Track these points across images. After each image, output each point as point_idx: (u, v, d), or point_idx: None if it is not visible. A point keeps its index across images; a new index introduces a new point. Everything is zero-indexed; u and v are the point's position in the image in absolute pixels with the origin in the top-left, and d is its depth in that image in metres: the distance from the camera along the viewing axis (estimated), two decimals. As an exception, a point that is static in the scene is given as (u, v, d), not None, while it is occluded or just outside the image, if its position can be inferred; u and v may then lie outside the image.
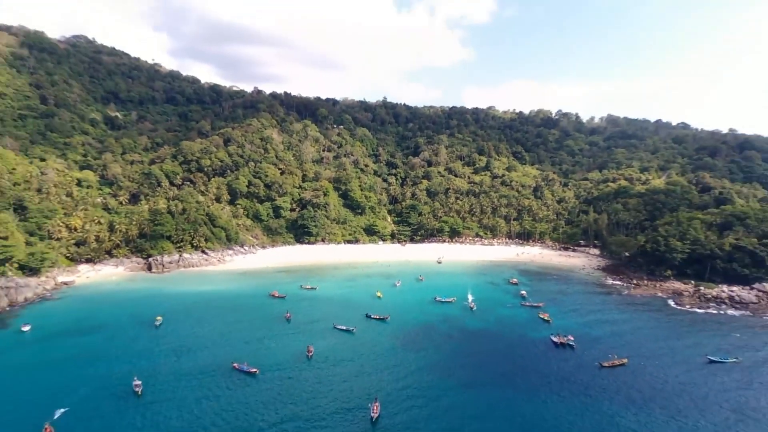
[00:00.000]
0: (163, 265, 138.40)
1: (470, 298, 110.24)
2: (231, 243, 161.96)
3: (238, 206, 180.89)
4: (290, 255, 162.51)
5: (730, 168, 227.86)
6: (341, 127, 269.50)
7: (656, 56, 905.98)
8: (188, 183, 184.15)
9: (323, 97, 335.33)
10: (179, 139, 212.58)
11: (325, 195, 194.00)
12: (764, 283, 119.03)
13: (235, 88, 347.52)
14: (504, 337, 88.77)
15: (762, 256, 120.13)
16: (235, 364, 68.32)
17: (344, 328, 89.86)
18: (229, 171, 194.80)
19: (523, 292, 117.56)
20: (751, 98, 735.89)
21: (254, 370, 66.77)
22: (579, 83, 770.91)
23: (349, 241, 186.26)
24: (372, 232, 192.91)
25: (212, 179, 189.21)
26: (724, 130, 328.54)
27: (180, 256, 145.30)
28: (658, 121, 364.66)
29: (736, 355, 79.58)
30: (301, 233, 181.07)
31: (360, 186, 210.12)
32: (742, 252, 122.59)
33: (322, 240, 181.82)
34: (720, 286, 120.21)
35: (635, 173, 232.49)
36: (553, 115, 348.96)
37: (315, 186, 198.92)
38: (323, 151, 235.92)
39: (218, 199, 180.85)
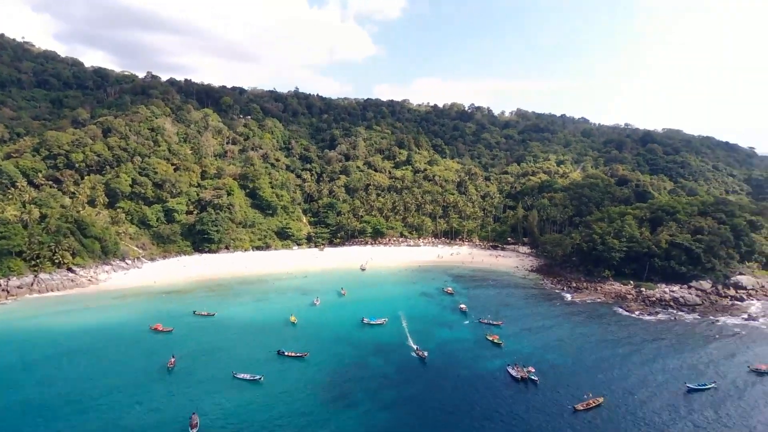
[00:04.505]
0: (8, 292, 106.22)
1: (410, 339, 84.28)
2: (108, 256, 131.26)
3: (118, 210, 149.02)
4: (186, 268, 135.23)
5: (637, 160, 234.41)
6: (248, 117, 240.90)
7: (556, 59, 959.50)
8: (52, 183, 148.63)
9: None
10: (48, 128, 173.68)
11: (228, 194, 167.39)
12: (701, 281, 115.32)
13: (126, 73, 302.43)
14: (451, 372, 72.72)
15: (697, 253, 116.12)
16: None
17: (248, 377, 68.60)
18: (108, 167, 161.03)
19: (463, 305, 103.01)
20: (644, 96, 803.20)
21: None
22: (484, 82, 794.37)
23: (258, 248, 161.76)
24: (285, 236, 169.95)
25: (86, 177, 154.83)
26: (622, 125, 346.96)
27: (35, 277, 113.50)
28: (564, 116, 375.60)
29: (713, 379, 70.82)
30: (200, 240, 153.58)
31: (270, 183, 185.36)
32: (678, 249, 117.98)
33: (226, 247, 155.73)
34: (659, 285, 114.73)
35: (553, 166, 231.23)
36: (467, 108, 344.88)
37: (217, 184, 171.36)
38: (227, 143, 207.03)
39: (92, 202, 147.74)
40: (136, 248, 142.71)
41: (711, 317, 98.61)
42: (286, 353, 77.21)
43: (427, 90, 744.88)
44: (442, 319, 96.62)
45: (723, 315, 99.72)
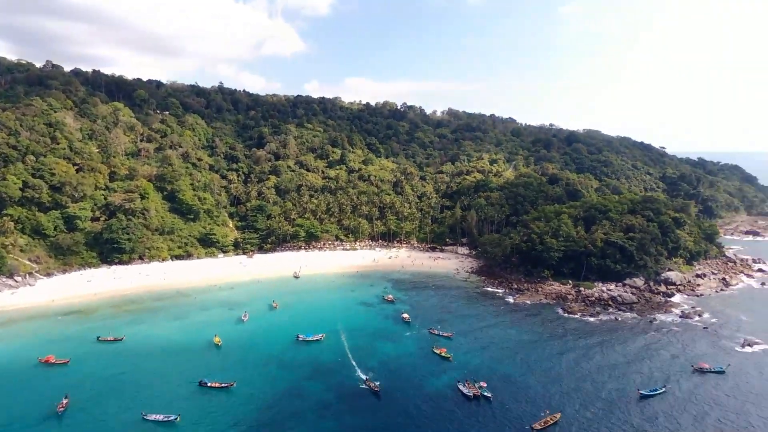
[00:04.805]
0: None
1: (353, 359, 75.87)
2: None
3: (5, 218, 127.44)
4: (91, 283, 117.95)
5: (564, 159, 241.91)
6: (166, 113, 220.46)
7: (479, 61, 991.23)
8: None
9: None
10: None
11: (142, 198, 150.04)
12: (634, 279, 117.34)
13: (22, 62, 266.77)
14: (398, 393, 65.83)
15: (630, 251, 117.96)
16: None
17: (161, 417, 57.75)
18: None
19: (405, 314, 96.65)
20: (559, 97, 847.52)
21: None
22: (414, 83, 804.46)
23: (178, 257, 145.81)
24: (209, 243, 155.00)
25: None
26: (547, 125, 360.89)
27: None
28: (493, 116, 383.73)
29: (663, 383, 69.75)
30: (108, 250, 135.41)
31: (192, 185, 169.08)
32: (613, 247, 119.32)
33: (140, 258, 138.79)
34: (597, 284, 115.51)
35: (486, 165, 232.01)
36: (399, 107, 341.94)
37: (128, 186, 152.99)
38: (141, 141, 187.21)
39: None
40: (28, 262, 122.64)
41: (648, 315, 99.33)
42: (208, 384, 66.66)
43: (357, 89, 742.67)
44: (384, 332, 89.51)
45: (659, 312, 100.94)
